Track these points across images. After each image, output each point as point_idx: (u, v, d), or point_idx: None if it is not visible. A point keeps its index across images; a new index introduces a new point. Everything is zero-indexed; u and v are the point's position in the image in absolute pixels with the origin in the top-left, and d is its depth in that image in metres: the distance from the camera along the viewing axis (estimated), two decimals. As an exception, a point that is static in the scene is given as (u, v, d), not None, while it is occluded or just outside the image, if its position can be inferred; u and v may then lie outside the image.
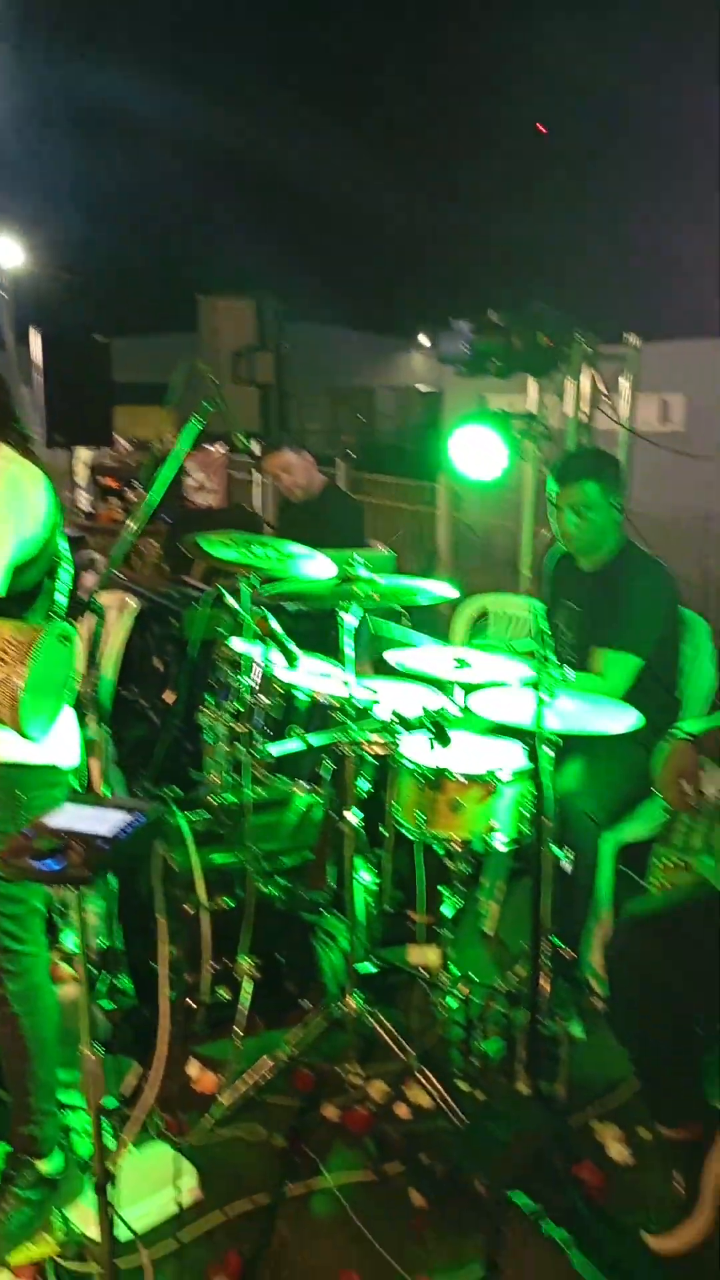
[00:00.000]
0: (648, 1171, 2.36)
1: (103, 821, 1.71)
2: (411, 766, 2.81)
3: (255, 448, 6.52)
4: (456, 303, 4.33)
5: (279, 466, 4.81)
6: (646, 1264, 2.19)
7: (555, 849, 2.65)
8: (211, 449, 8.81)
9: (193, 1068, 2.80)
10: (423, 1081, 2.66)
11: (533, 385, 4.57)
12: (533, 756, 2.47)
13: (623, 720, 2.64)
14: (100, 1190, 1.76)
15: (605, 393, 4.30)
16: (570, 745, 2.99)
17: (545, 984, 2.71)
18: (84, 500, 8.57)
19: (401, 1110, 2.64)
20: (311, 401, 21.41)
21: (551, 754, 2.55)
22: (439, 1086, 2.64)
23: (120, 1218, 1.83)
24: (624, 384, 4.29)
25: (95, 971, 3.06)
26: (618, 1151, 2.49)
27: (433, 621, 5.23)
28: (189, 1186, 2.39)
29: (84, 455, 8.87)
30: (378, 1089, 2.68)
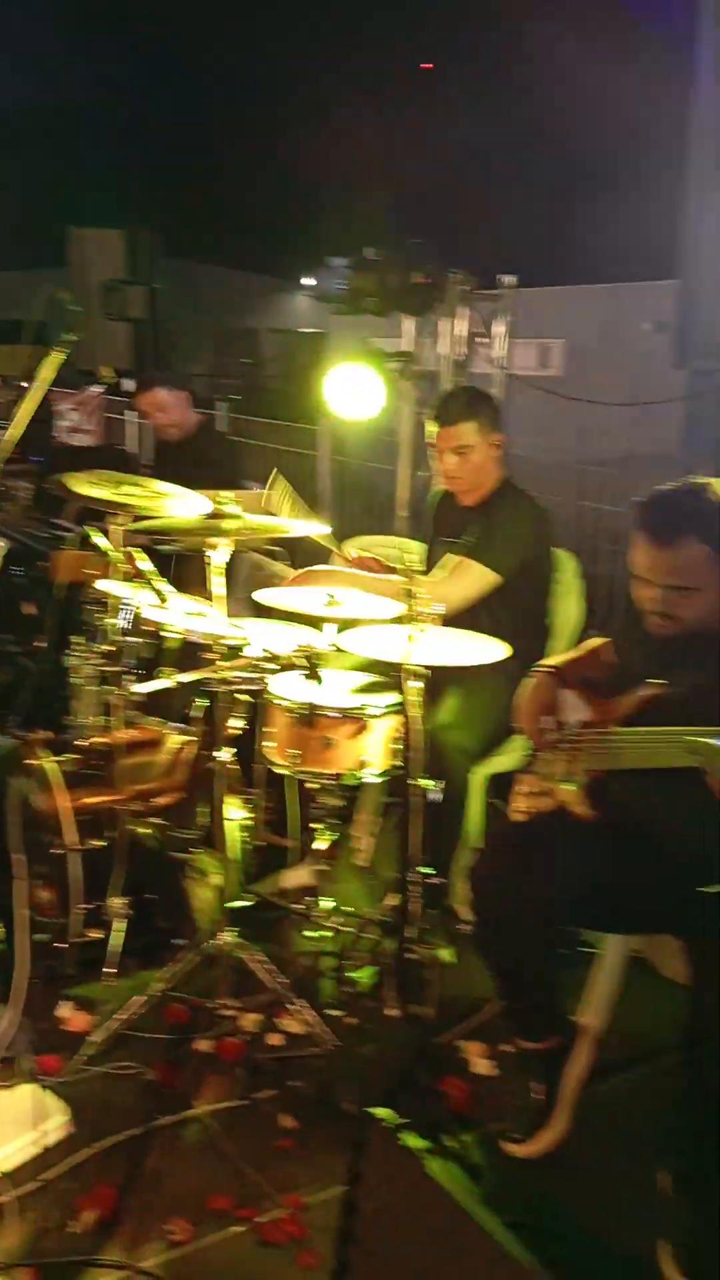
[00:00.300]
0: (510, 1084, 2.45)
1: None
2: (283, 704, 2.82)
3: (130, 386, 6.37)
4: (339, 243, 4.29)
5: (152, 405, 4.69)
6: (505, 1168, 2.30)
7: (425, 781, 2.71)
8: (89, 388, 8.57)
9: (64, 1009, 2.78)
10: (293, 1010, 2.71)
11: (409, 325, 4.57)
12: (401, 690, 2.50)
13: (491, 653, 2.69)
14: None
15: (481, 334, 4.32)
16: (443, 679, 3.04)
17: (415, 911, 2.79)
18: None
19: (274, 1039, 2.68)
20: (195, 342, 20.92)
21: (420, 687, 2.59)
22: (309, 1014, 2.69)
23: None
24: (500, 327, 4.32)
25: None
26: (482, 1066, 2.59)
27: (317, 563, 5.22)
28: (59, 1124, 2.39)
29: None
30: (250, 1020, 2.72)
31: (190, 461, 4.60)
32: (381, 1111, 1.76)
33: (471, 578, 3.12)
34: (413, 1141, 1.71)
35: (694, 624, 2.07)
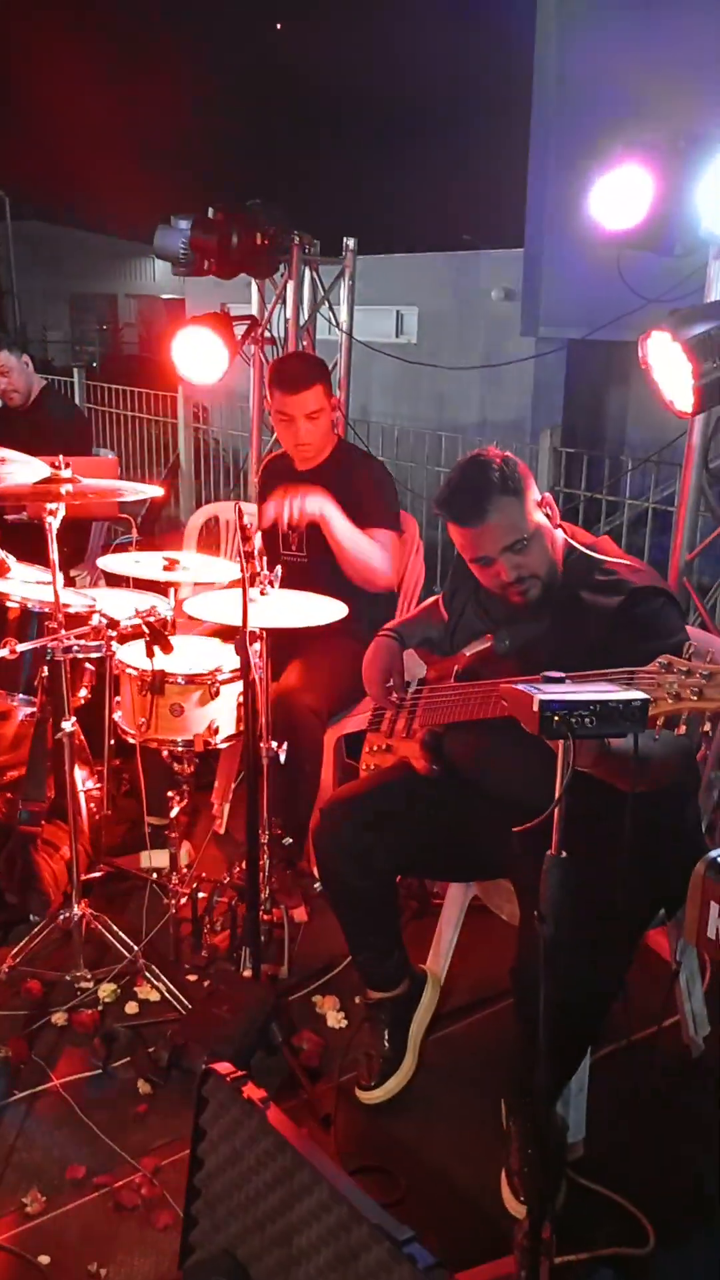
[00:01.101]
0: (361, 1034, 2.52)
1: None
2: (130, 672, 2.80)
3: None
4: (189, 206, 4.20)
5: None
6: (357, 1115, 2.36)
7: (271, 743, 2.73)
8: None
9: None
10: (150, 978, 2.71)
11: (256, 289, 4.53)
12: (242, 653, 2.51)
13: (332, 613, 2.72)
14: None
15: (325, 298, 4.32)
16: (291, 642, 3.06)
17: (268, 873, 2.82)
18: None
19: (131, 1007, 2.68)
20: (52, 308, 20.30)
21: (259, 649, 2.60)
22: (166, 981, 2.70)
23: None
24: (344, 290, 4.32)
25: None
26: (334, 1019, 2.64)
27: (175, 533, 5.16)
28: None
29: None
30: (106, 990, 2.71)
31: (34, 428, 4.46)
32: (222, 1066, 1.79)
33: (387, 547, 3.15)
34: (254, 1093, 1.74)
35: (545, 571, 2.12)
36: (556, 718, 1.42)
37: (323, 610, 2.72)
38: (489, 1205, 2.14)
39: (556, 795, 1.52)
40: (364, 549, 3.09)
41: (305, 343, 4.32)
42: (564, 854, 1.56)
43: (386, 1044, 2.42)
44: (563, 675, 1.53)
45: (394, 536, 3.19)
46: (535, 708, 1.41)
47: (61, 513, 2.54)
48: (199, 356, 3.88)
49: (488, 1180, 2.17)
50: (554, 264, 5.08)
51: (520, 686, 1.46)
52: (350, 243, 4.12)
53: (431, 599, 2.60)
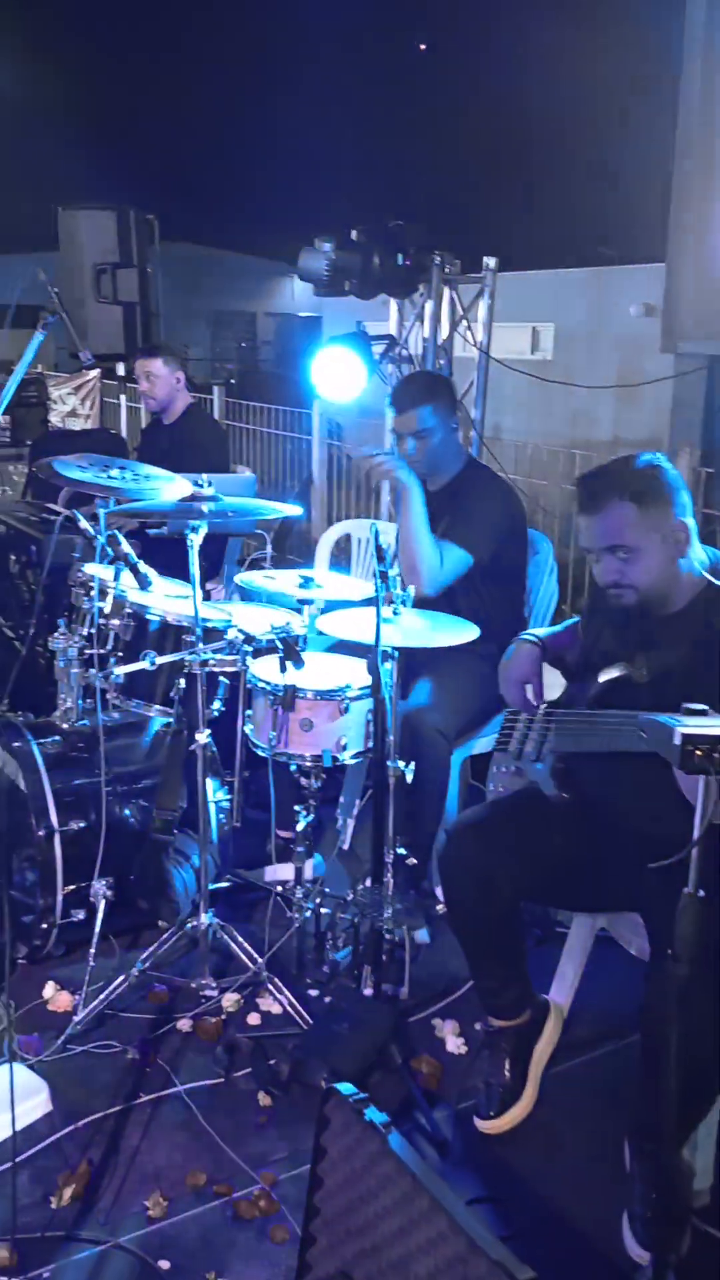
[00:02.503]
0: (480, 1061, 2.49)
1: None
2: (262, 686, 2.85)
3: (123, 371, 6.34)
4: (331, 226, 4.28)
5: (144, 370, 4.65)
6: (471, 1144, 2.34)
7: (399, 763, 2.73)
8: (84, 373, 8.56)
9: (48, 989, 2.82)
10: (272, 990, 2.74)
11: (394, 307, 4.57)
12: (374, 672, 2.52)
13: (462, 635, 2.71)
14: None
15: (464, 316, 4.32)
16: (420, 662, 3.06)
17: (392, 892, 2.82)
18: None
19: (253, 1018, 2.72)
20: (193, 326, 20.88)
21: (391, 669, 2.61)
22: (288, 994, 2.72)
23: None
24: (482, 309, 4.31)
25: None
26: (454, 1044, 2.62)
27: (307, 549, 5.23)
28: (40, 1102, 2.43)
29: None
30: (230, 1000, 2.75)
31: (178, 444, 4.60)
32: (345, 1087, 1.79)
33: (450, 560, 3.13)
34: (375, 1116, 1.73)
35: (647, 588, 2.09)
36: (699, 752, 1.38)
37: (456, 631, 2.71)
38: (607, 1247, 2.08)
39: (695, 832, 1.48)
40: (421, 546, 3.05)
41: (442, 361, 4.32)
42: (701, 893, 1.51)
43: (507, 1074, 2.39)
44: (704, 708, 1.49)
45: (462, 556, 3.13)
46: (677, 740, 1.38)
47: (204, 530, 2.60)
48: (337, 375, 3.92)
49: (607, 1221, 2.12)
50: (697, 279, 4.94)
51: (660, 719, 1.43)
52: (491, 261, 4.11)
53: (574, 620, 2.56)
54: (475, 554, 3.13)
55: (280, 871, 3.26)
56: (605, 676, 2.15)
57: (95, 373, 8.11)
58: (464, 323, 4.30)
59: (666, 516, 2.07)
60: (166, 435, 4.74)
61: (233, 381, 10.48)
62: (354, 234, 4.06)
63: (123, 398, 7.27)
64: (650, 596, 2.10)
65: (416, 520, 3.06)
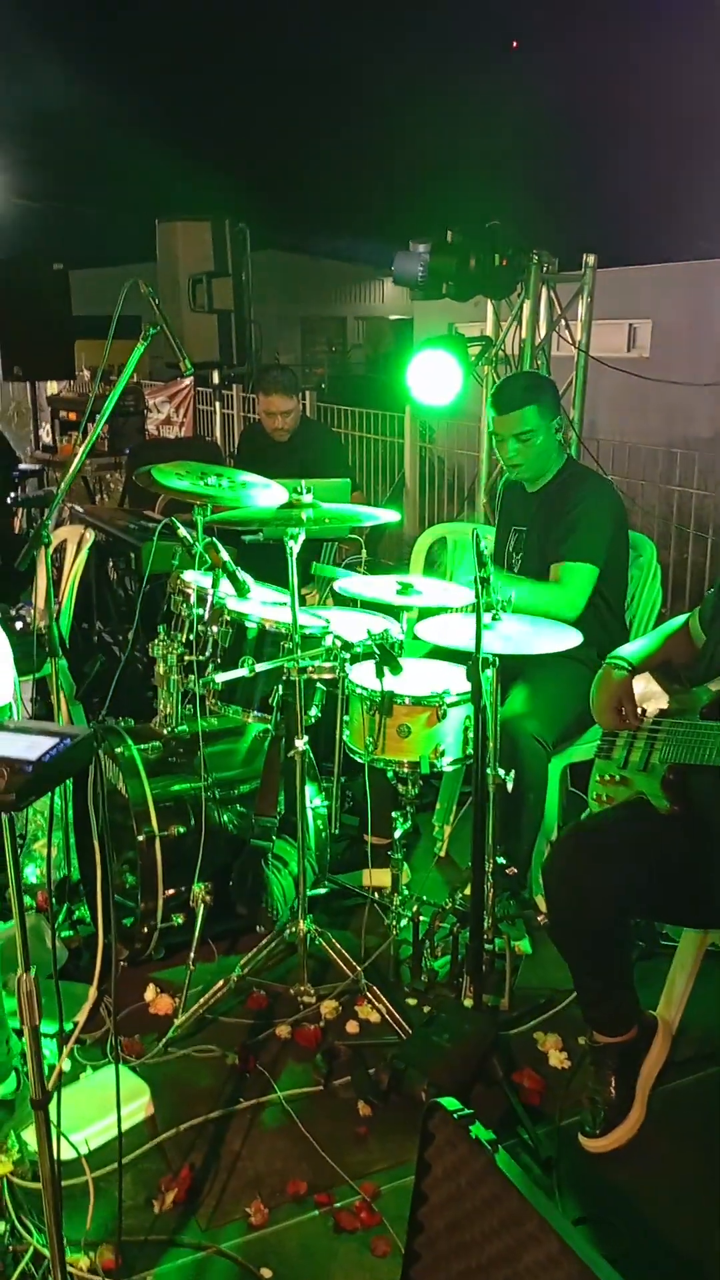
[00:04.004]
0: (584, 1077, 2.43)
1: (28, 747, 1.72)
2: (360, 692, 2.84)
3: (217, 379, 6.42)
4: (423, 228, 4.26)
5: (277, 410, 4.70)
6: (577, 1162, 2.28)
7: (498, 770, 2.69)
8: (179, 380, 8.68)
9: (149, 991, 2.85)
10: (371, 998, 2.73)
11: (490, 309, 4.52)
12: (474, 679, 2.48)
13: (564, 641, 2.65)
14: (39, 1107, 1.79)
15: (562, 315, 4.25)
16: (518, 668, 3.02)
17: (491, 902, 2.78)
18: (45, 434, 8.46)
19: (351, 1026, 2.71)
20: (283, 331, 21.09)
21: (491, 676, 2.57)
22: (386, 1003, 2.71)
23: (61, 1134, 1.87)
24: (581, 308, 4.24)
25: (34, 900, 3.11)
26: (557, 1059, 2.57)
27: (399, 551, 5.22)
28: (143, 1105, 2.45)
29: (49, 388, 8.74)
30: (328, 1007, 2.74)
31: (300, 457, 4.63)
32: (450, 1102, 1.76)
33: (581, 579, 3.07)
34: (481, 1133, 1.70)
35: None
36: None
37: (556, 638, 2.66)
38: (715, 1271, 2.01)
39: None
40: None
41: (539, 361, 4.26)
42: None
43: (613, 1091, 2.33)
44: None
45: (589, 571, 3.07)
46: None
47: (302, 537, 2.60)
48: (432, 378, 3.90)
49: (717, 1247, 2.05)
50: None
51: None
52: (590, 259, 4.04)
53: (674, 623, 2.48)
54: (597, 563, 3.07)
55: (376, 877, 3.24)
56: (718, 686, 2.08)
57: (189, 380, 8.22)
58: (562, 322, 4.23)
59: None
60: (286, 449, 4.75)
61: (323, 386, 10.53)
62: (450, 235, 4.02)
63: (217, 405, 7.36)
64: None
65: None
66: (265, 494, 3.04)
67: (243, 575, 3.00)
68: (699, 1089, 2.49)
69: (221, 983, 2.76)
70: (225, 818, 3.03)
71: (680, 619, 2.47)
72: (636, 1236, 2.11)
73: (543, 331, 4.27)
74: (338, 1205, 2.20)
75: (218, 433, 7.53)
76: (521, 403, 3.11)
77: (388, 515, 2.89)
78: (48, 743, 1.75)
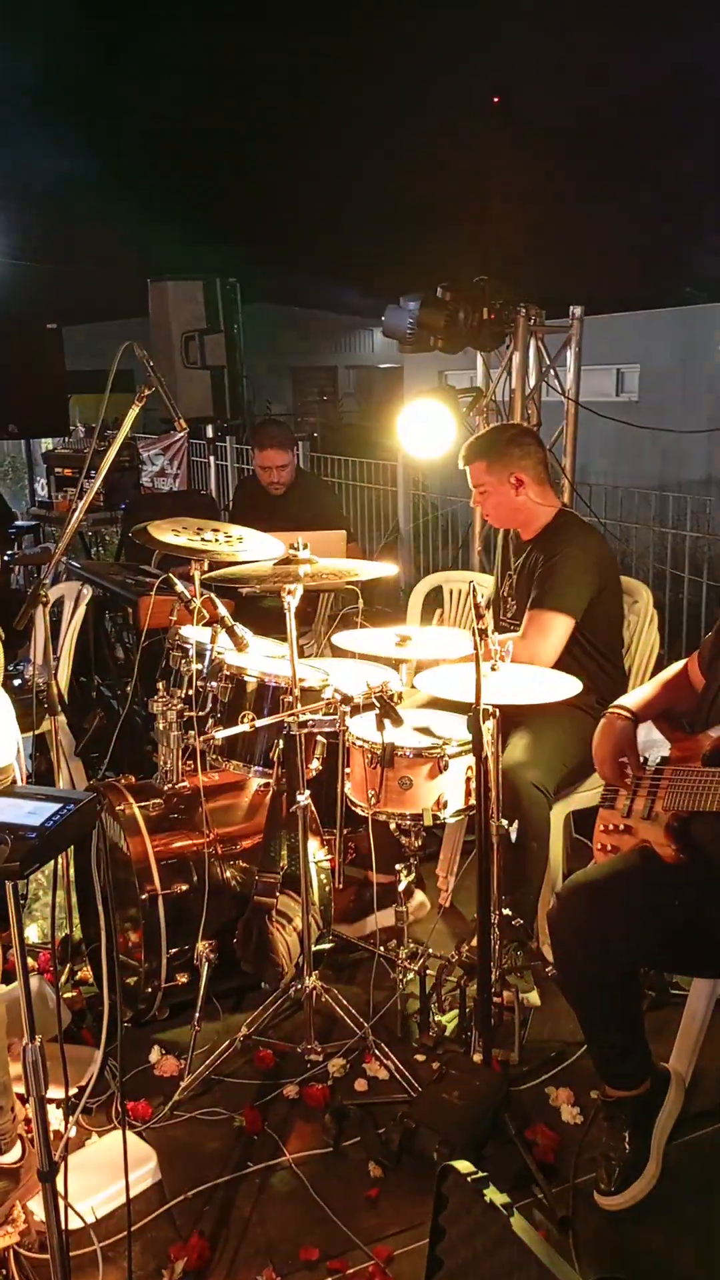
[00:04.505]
0: (598, 1132, 2.40)
1: (31, 813, 1.71)
2: (360, 744, 2.83)
3: (210, 433, 6.49)
4: (411, 281, 4.35)
5: (271, 463, 4.77)
6: (594, 1220, 2.24)
7: (501, 820, 2.68)
8: (172, 434, 8.77)
9: (153, 1053, 2.82)
10: (379, 1055, 2.69)
11: (480, 359, 4.58)
12: (474, 730, 2.48)
13: (565, 689, 2.66)
14: (46, 1178, 1.77)
15: (551, 365, 4.31)
16: (519, 717, 3.02)
17: (498, 953, 2.75)
18: (41, 489, 8.51)
19: (360, 1084, 2.67)
20: (275, 382, 21.32)
21: (491, 726, 2.57)
22: (395, 1059, 2.67)
23: (68, 1204, 1.84)
24: (570, 357, 4.30)
25: (36, 962, 3.08)
26: (569, 1114, 2.53)
27: (395, 600, 5.24)
28: (150, 1170, 2.41)
29: (45, 444, 8.81)
30: (336, 1065, 2.71)
31: (297, 510, 4.68)
32: (463, 1165, 1.73)
33: (548, 628, 3.08)
34: (496, 1196, 1.67)
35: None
36: None
37: (556, 686, 2.66)
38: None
39: None
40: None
41: (530, 410, 4.31)
42: None
43: (627, 1146, 2.29)
44: None
45: (561, 620, 3.08)
46: None
47: (300, 592, 2.61)
48: (423, 431, 3.94)
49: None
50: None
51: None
52: (577, 310, 4.11)
53: (673, 669, 2.49)
54: (571, 613, 3.08)
55: (381, 919, 3.21)
56: (718, 732, 2.09)
57: (183, 434, 8.30)
58: (551, 370, 4.29)
59: None
60: (281, 502, 4.80)
61: (316, 436, 10.63)
62: (440, 291, 4.09)
63: (211, 458, 7.43)
64: None
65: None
66: (262, 548, 3.06)
67: (241, 629, 3.01)
68: (716, 1141, 2.45)
69: (228, 1043, 2.73)
70: (228, 874, 3.01)
71: (679, 664, 2.48)
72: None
73: (532, 381, 4.33)
74: (350, 1271, 2.16)
75: (212, 485, 7.60)
76: (471, 458, 3.21)
77: (384, 569, 2.91)
78: (50, 808, 1.75)
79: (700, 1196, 2.31)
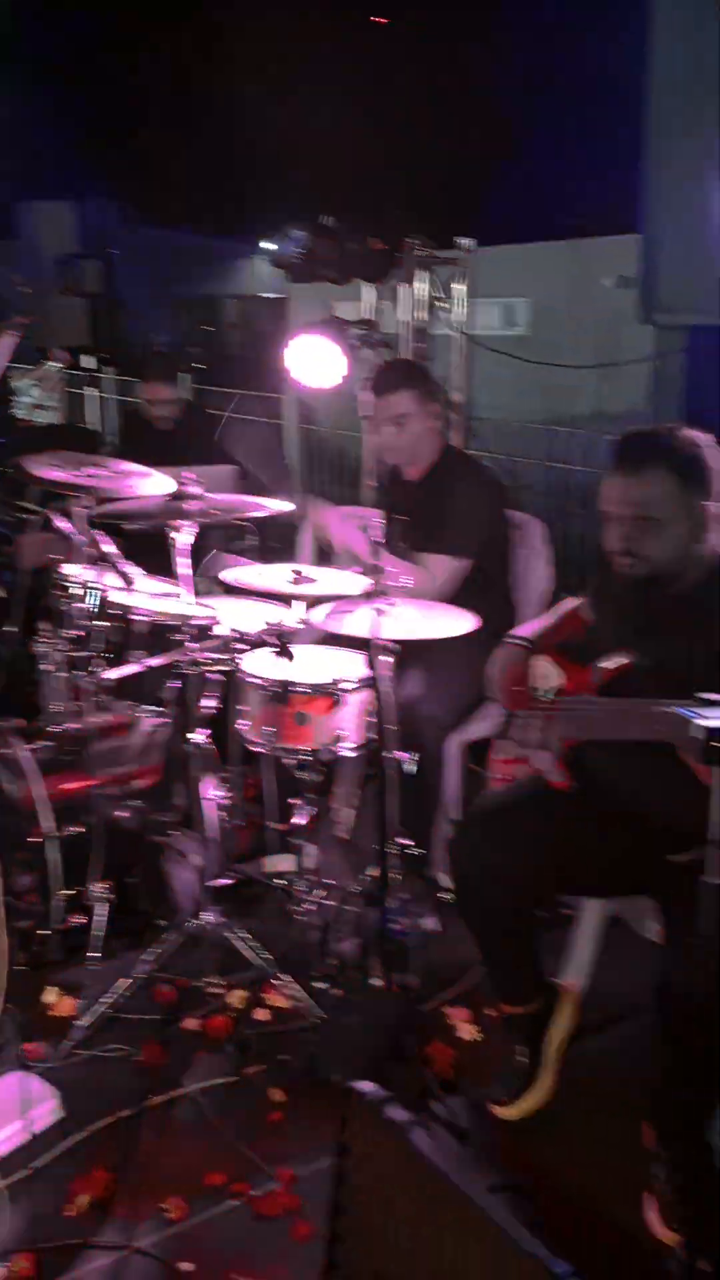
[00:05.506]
0: (495, 1048, 2.49)
1: None
2: (255, 682, 2.82)
3: (89, 362, 6.27)
4: (298, 207, 4.24)
5: (157, 396, 4.65)
6: (492, 1132, 2.33)
7: (399, 753, 2.72)
8: (46, 364, 8.43)
9: (50, 994, 2.79)
10: (280, 985, 2.73)
11: (368, 291, 4.51)
12: (372, 665, 2.50)
13: (459, 625, 2.69)
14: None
15: (440, 297, 4.28)
16: (413, 651, 3.04)
17: (396, 882, 2.80)
18: None
19: (261, 1014, 2.71)
20: (156, 313, 20.64)
21: (390, 661, 2.59)
22: (296, 988, 2.71)
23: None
24: (459, 288, 4.27)
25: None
26: (467, 1031, 2.62)
27: (287, 537, 5.19)
28: (49, 1110, 2.40)
29: None
30: (237, 997, 2.74)
31: (185, 445, 4.57)
32: (365, 1085, 1.78)
33: (441, 569, 3.10)
34: (397, 1114, 1.73)
35: (660, 564, 2.07)
36: (717, 744, 1.36)
37: (452, 622, 2.69)
38: (633, 1229, 2.09)
39: (713, 823, 1.46)
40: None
41: (420, 344, 4.28)
42: (721, 880, 1.50)
43: (522, 1059, 2.38)
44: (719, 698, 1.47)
45: (450, 563, 3.11)
46: (697, 734, 1.36)
47: (190, 530, 2.56)
48: (314, 363, 3.87)
49: (631, 1204, 2.12)
50: (673, 248, 4.90)
51: (678, 710, 1.41)
52: (467, 242, 4.08)
53: (567, 603, 2.54)
54: (463, 555, 3.10)
55: (279, 862, 3.24)
56: (612, 662, 2.14)
57: (58, 364, 8.00)
58: (441, 303, 4.26)
59: (701, 496, 2.05)
60: (170, 439, 4.67)
61: (201, 368, 10.38)
62: (325, 220, 4.00)
63: (92, 390, 7.17)
64: (661, 574, 2.08)
65: None
66: (150, 483, 2.99)
67: (129, 567, 2.95)
68: (607, 1052, 2.57)
69: (125, 981, 2.72)
70: (123, 814, 2.98)
71: (572, 599, 2.53)
72: (554, 1200, 2.17)
73: (421, 313, 4.29)
74: (255, 1193, 2.21)
75: (94, 418, 7.35)
76: (397, 386, 3.14)
77: (278, 505, 2.88)
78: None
79: (591, 1105, 2.42)
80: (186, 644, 2.71)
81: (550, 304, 7.72)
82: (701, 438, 2.09)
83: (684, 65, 4.38)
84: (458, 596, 3.08)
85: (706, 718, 1.38)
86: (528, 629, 2.48)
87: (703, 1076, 1.60)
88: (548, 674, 2.40)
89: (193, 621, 2.74)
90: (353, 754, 2.88)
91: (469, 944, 2.48)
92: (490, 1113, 2.37)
